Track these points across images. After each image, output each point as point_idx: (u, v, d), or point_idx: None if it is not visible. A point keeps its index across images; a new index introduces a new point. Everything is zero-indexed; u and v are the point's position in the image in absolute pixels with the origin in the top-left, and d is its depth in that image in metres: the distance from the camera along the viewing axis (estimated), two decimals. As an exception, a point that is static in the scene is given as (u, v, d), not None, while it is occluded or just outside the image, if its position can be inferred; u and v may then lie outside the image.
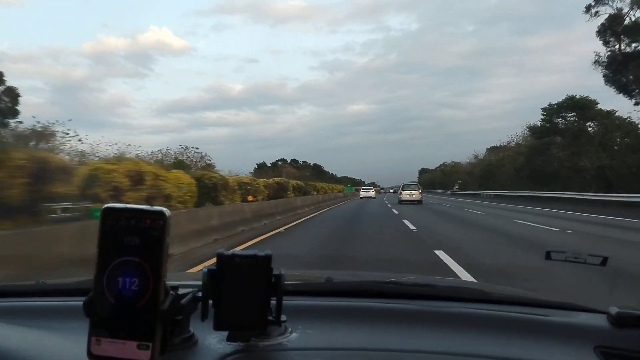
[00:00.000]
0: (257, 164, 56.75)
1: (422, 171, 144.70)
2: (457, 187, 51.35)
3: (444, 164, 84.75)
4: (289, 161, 71.18)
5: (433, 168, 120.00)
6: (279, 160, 69.51)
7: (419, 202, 21.98)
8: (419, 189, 23.42)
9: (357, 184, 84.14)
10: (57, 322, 0.69)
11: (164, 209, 0.52)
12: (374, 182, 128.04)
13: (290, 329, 0.65)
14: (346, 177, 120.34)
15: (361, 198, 35.09)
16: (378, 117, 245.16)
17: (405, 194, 22.97)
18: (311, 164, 76.01)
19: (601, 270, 0.94)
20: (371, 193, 37.70)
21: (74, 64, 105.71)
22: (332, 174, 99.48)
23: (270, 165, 57.92)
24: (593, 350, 0.66)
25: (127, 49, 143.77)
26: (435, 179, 73.47)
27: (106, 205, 0.52)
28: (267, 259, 0.56)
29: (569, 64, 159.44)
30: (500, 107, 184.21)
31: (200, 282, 0.55)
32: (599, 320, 0.74)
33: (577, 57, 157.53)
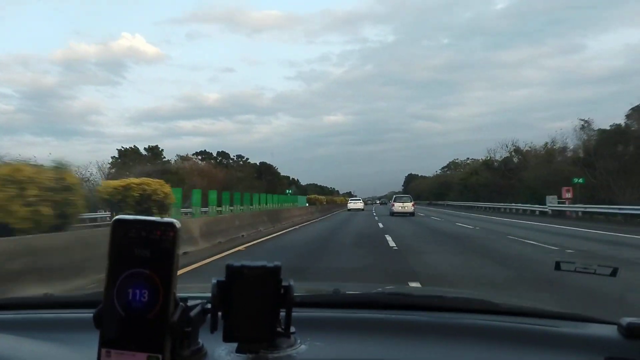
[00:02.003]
0: (121, 148, 47.76)
1: (410, 178, 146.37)
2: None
3: (446, 169, 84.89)
4: (214, 154, 62.90)
5: (423, 174, 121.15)
6: (198, 153, 61.88)
7: (412, 214, 23.55)
8: (411, 201, 25.06)
9: (327, 193, 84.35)
10: (66, 334, 0.77)
11: (175, 221, 0.58)
12: (350, 192, 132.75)
13: (299, 341, 0.72)
14: (315, 185, 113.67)
15: (349, 210, 35.98)
16: (355, 128, 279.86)
17: (398, 206, 24.52)
18: (257, 163, 70.02)
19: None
20: (359, 205, 38.71)
21: (45, 71, 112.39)
22: (295, 179, 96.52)
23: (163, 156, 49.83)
24: None
25: (99, 55, 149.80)
26: (432, 188, 73.82)
27: (117, 216, 0.58)
28: (277, 270, 0.62)
29: (540, 78, 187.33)
30: (474, 120, 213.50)
31: (209, 294, 0.61)
32: (610, 331, 0.83)
33: (548, 71, 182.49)
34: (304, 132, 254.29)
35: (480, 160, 52.95)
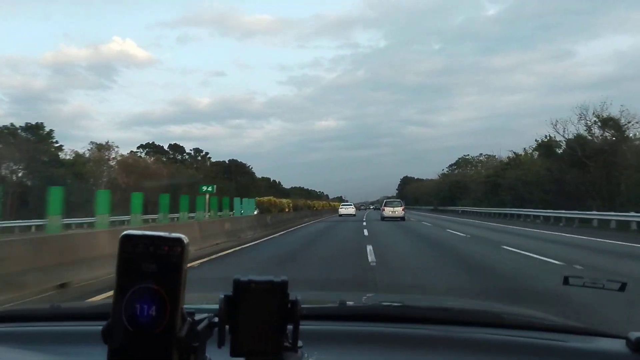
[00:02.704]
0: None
1: (406, 181, 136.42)
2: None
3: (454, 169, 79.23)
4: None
5: (419, 177, 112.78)
6: (145, 145, 60.46)
7: (402, 218, 25.56)
8: (401, 206, 27.34)
9: (314, 197, 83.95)
10: (73, 347, 0.85)
11: (182, 236, 0.63)
12: (341, 197, 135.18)
13: (306, 355, 0.78)
14: (301, 189, 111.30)
15: (340, 215, 37.19)
16: (347, 133, 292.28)
17: (388, 211, 26.69)
18: (225, 161, 68.30)
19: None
20: (351, 210, 40.37)
21: (34, 74, 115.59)
22: (276, 181, 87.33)
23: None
24: None
25: (89, 59, 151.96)
26: (438, 191, 69.23)
27: (125, 232, 0.63)
28: (284, 284, 0.68)
29: (531, 83, 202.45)
30: (466, 124, 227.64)
31: (214, 305, 0.67)
32: (619, 346, 0.89)
33: (539, 77, 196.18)
34: (296, 137, 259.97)
35: (533, 146, 38.53)
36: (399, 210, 26.77)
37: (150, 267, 0.63)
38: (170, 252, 0.63)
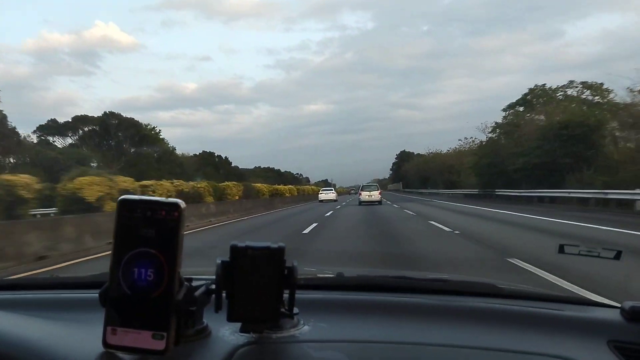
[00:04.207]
0: None
1: (403, 158, 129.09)
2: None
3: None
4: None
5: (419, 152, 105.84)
6: None
7: (379, 202, 32.33)
8: (378, 190, 34.06)
9: (289, 181, 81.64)
10: (73, 314, 0.96)
11: (179, 201, 0.72)
12: (326, 180, 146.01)
13: (302, 322, 0.91)
14: (268, 169, 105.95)
15: (320, 201, 43.62)
16: (335, 117, 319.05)
17: (365, 195, 33.17)
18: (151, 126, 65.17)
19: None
20: (331, 195, 46.31)
21: (16, 62, 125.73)
22: (225, 158, 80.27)
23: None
24: (606, 344, 0.93)
25: (71, 45, 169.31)
26: (443, 167, 65.84)
27: (122, 196, 0.72)
28: (281, 251, 0.78)
29: (519, 64, 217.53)
30: (454, 107, 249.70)
31: (214, 275, 0.77)
32: (613, 315, 1.03)
33: (527, 58, 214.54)
34: (285, 122, 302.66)
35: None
36: (375, 195, 32.71)
37: (148, 232, 0.70)
38: (168, 217, 0.71)
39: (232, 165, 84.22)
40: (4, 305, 1.05)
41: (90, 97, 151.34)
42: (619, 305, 1.04)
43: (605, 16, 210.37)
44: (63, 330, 0.89)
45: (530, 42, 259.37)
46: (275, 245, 0.78)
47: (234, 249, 0.77)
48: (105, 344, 0.71)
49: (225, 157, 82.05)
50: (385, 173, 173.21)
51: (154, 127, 64.26)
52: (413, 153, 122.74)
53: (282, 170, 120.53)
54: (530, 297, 1.23)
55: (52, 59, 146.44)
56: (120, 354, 0.72)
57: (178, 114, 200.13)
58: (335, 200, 44.21)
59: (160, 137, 64.53)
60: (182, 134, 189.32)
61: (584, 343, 0.93)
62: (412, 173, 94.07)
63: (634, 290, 4.56)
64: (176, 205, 0.71)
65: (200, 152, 78.24)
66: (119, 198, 0.72)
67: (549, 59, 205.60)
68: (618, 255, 1.24)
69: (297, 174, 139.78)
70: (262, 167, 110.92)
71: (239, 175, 73.54)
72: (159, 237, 0.71)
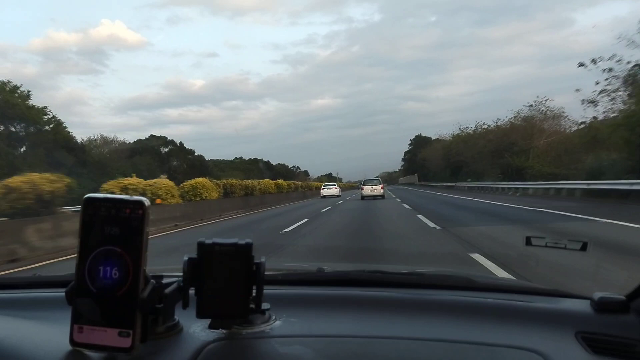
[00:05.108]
0: None
1: (419, 143, 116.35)
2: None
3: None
4: None
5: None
6: None
7: (382, 197, 34.86)
8: (380, 184, 36.56)
9: (283, 175, 76.94)
10: (49, 312, 1.05)
11: (144, 199, 0.79)
12: (329, 174, 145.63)
13: (274, 317, 0.99)
14: (252, 160, 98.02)
15: (323, 197, 46.48)
16: (343, 111, 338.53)
17: (367, 189, 35.70)
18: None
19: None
20: (334, 190, 49.07)
21: (24, 61, 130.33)
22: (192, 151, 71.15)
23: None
24: (574, 336, 1.02)
25: (79, 44, 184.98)
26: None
27: (87, 195, 0.79)
28: (248, 247, 0.86)
29: (528, 54, 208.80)
30: (463, 99, 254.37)
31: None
32: (582, 306, 1.13)
33: (537, 47, 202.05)
34: (292, 117, 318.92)
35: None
36: (377, 189, 35.56)
37: (112, 230, 0.78)
38: (132, 215, 0.78)
39: (196, 154, 74.22)
40: None
41: (99, 96, 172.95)
42: (588, 296, 1.14)
43: (616, 4, 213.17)
44: (33, 329, 0.99)
45: (539, 31, 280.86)
46: (242, 242, 0.85)
47: (201, 246, 0.85)
48: (72, 342, 0.79)
49: (182, 144, 76.65)
50: (396, 166, 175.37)
51: (18, 88, 46.48)
52: (431, 138, 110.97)
53: (274, 163, 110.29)
54: (503, 290, 1.33)
55: (59, 57, 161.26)
56: (86, 352, 0.79)
57: (186, 111, 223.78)
58: (338, 196, 46.69)
59: (32, 105, 47.23)
60: (190, 131, 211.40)
61: (552, 334, 1.02)
62: (434, 161, 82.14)
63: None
64: (140, 203, 0.78)
65: (149, 136, 72.33)
66: (84, 196, 0.79)
67: (558, 47, 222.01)
68: (584, 247, 1.34)
69: (294, 167, 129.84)
70: (245, 159, 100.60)
71: (204, 168, 65.29)
72: (124, 235, 0.78)
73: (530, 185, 33.70)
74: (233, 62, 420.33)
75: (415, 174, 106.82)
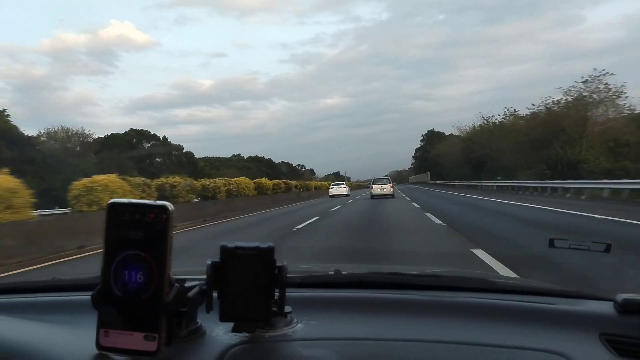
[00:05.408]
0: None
1: (431, 139, 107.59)
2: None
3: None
4: None
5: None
6: None
7: (392, 195, 34.83)
8: (389, 183, 36.36)
9: (283, 174, 75.38)
10: (71, 316, 1.07)
11: (167, 204, 0.81)
12: (337, 173, 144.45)
13: (296, 320, 1.02)
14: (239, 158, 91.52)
15: (331, 196, 46.23)
16: (351, 111, 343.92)
17: (376, 188, 35.61)
18: None
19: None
20: (343, 190, 48.70)
21: (33, 62, 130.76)
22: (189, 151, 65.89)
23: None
24: (598, 338, 1.02)
25: (88, 45, 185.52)
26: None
27: (111, 200, 0.82)
28: (270, 250, 0.87)
29: (537, 52, 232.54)
30: (471, 98, 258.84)
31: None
32: (606, 308, 1.12)
33: (545, 45, 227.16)
34: (300, 116, 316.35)
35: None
36: (387, 188, 35.23)
37: (137, 235, 0.80)
38: (156, 220, 0.80)
39: (185, 151, 66.40)
40: (1, 309, 1.18)
41: (109, 97, 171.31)
42: (611, 298, 1.14)
43: (626, 0, 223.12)
44: (58, 333, 1.00)
45: (547, 29, 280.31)
46: (264, 245, 0.87)
47: (224, 250, 0.86)
48: (98, 346, 0.81)
49: (164, 137, 65.09)
50: (405, 164, 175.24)
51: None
52: (444, 133, 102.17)
53: (277, 162, 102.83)
54: (523, 291, 1.32)
55: (68, 58, 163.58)
56: (113, 356, 0.82)
57: (195, 111, 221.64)
58: (347, 195, 46.51)
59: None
60: (199, 132, 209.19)
61: (576, 337, 1.02)
62: (450, 157, 73.44)
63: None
64: (164, 207, 0.81)
65: (128, 129, 62.34)
66: (108, 202, 0.81)
67: (567, 45, 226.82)
68: (608, 249, 1.32)
69: (299, 165, 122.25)
70: (244, 156, 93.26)
71: (191, 166, 57.36)
72: (148, 240, 0.80)
73: (591, 184, 24.75)
74: (241, 62, 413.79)
75: (428, 172, 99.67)
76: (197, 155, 78.70)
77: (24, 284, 1.52)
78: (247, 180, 32.40)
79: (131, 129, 68.49)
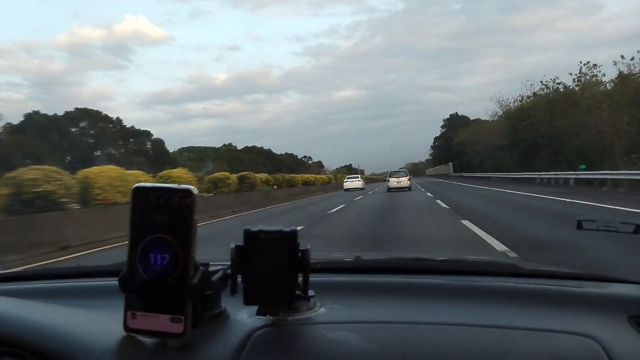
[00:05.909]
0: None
1: (453, 125, 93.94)
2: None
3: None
4: None
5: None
6: None
7: (409, 188, 35.50)
8: (406, 176, 37.31)
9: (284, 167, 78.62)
10: (96, 301, 1.12)
11: (192, 187, 0.84)
12: (349, 165, 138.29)
13: (318, 304, 1.04)
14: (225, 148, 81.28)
15: (346, 190, 46.67)
16: (366, 103, 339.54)
17: (393, 181, 36.35)
18: None
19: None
20: (357, 183, 48.68)
21: (50, 57, 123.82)
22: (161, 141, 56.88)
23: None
24: (627, 320, 1.03)
25: (103, 39, 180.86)
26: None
27: (136, 184, 0.84)
28: (293, 234, 0.90)
29: (556, 41, 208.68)
30: (489, 88, 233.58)
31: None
32: (633, 291, 1.14)
33: (564, 34, 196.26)
34: (315, 109, 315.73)
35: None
36: (404, 181, 35.70)
37: (162, 218, 0.82)
38: (181, 203, 0.82)
39: (153, 138, 54.77)
40: (28, 295, 1.20)
41: (125, 91, 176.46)
42: (638, 281, 1.17)
43: None
44: (85, 316, 1.04)
45: (567, 17, 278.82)
46: (287, 229, 0.89)
47: (248, 234, 0.89)
48: (126, 327, 0.85)
49: (121, 120, 58.93)
50: (421, 156, 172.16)
51: None
52: (468, 117, 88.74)
53: (278, 153, 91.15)
54: (549, 276, 1.34)
55: (84, 53, 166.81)
56: (140, 337, 0.86)
57: (210, 105, 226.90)
58: (362, 189, 47.22)
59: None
60: (214, 125, 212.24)
61: (604, 319, 1.03)
62: (482, 144, 59.46)
63: None
64: (189, 191, 0.83)
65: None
66: (134, 186, 0.84)
67: (587, 34, 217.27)
68: (637, 230, 1.32)
69: (305, 157, 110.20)
70: (237, 147, 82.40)
71: (159, 156, 59.16)
72: (173, 223, 0.82)
73: None
74: (255, 55, 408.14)
75: (450, 164, 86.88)
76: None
77: (50, 270, 1.60)
78: (189, 175, 24.99)
79: (76, 109, 57.52)
